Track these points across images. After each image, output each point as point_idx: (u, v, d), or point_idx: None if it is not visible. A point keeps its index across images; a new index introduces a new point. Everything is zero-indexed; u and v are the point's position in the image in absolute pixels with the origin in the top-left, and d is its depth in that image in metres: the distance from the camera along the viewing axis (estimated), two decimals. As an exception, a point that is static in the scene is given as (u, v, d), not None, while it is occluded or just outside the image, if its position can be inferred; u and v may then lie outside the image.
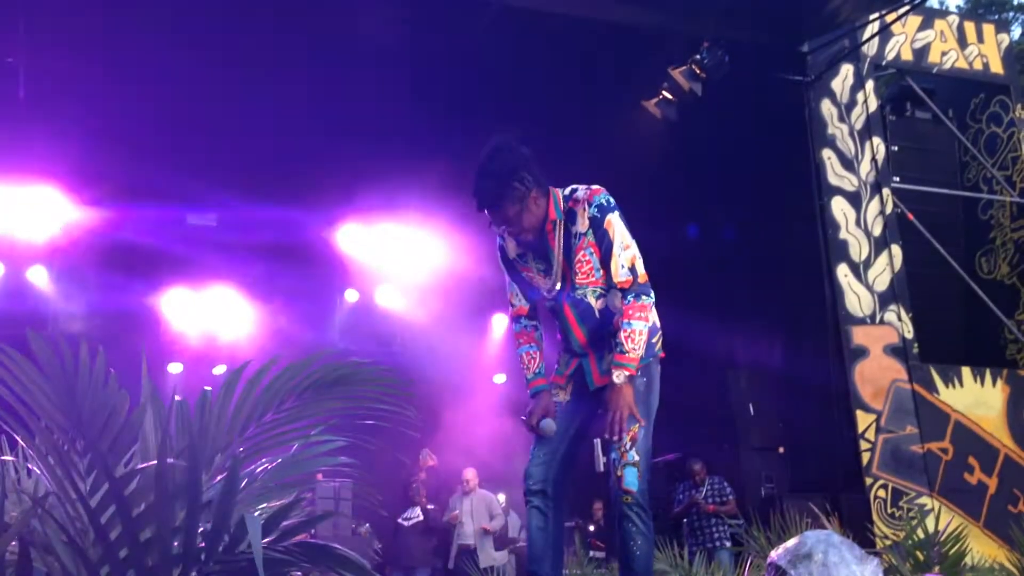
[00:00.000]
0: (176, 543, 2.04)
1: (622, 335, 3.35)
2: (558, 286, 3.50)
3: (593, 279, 3.47)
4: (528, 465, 3.52)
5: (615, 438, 3.34)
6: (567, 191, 3.55)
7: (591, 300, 3.47)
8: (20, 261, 11.10)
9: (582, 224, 3.45)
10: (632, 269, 3.43)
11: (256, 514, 2.89)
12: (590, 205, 3.46)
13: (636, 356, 3.38)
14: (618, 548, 3.47)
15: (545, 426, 3.49)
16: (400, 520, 9.67)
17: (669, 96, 8.82)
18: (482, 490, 9.89)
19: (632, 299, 3.40)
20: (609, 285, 3.46)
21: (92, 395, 2.08)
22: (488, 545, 9.66)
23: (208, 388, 2.44)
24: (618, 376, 3.34)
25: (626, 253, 3.43)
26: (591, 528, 10.54)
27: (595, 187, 3.53)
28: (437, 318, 12.37)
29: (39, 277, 11.32)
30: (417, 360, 12.17)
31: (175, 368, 12.49)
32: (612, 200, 3.50)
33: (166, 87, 8.92)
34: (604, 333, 3.48)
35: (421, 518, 9.67)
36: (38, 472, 2.44)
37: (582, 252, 3.44)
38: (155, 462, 2.09)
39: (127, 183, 9.90)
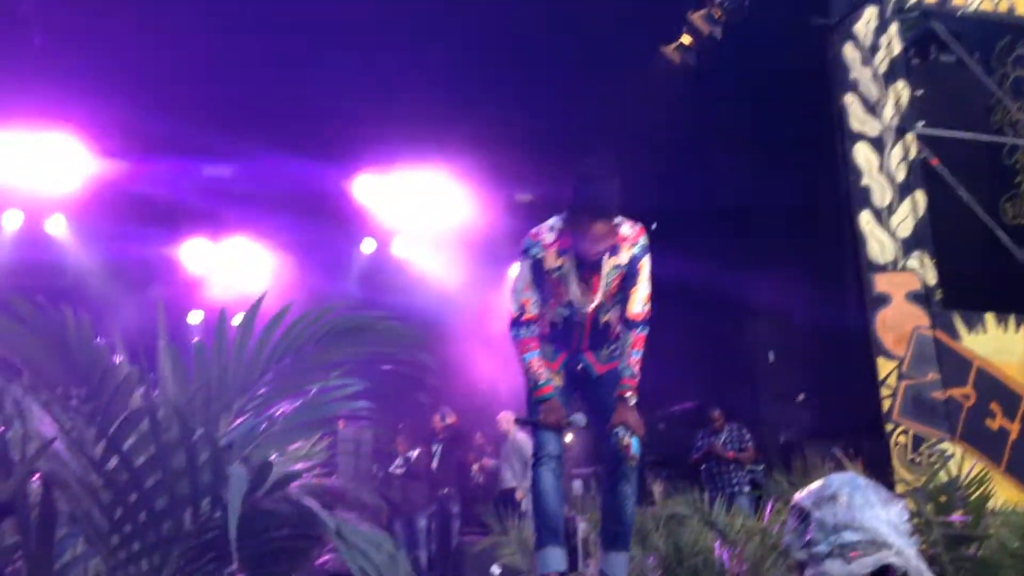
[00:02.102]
0: (185, 487, 2.04)
1: (632, 361, 3.87)
2: (594, 303, 3.91)
3: (611, 301, 3.96)
4: (541, 434, 3.85)
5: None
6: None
7: (602, 316, 3.96)
8: (39, 211, 11.16)
9: (624, 257, 3.87)
10: (645, 305, 3.93)
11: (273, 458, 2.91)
12: (634, 245, 3.88)
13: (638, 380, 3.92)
14: (609, 504, 3.91)
15: (578, 419, 3.86)
16: (390, 470, 9.80)
17: (688, 41, 8.67)
18: (518, 434, 9.84)
19: (640, 331, 3.91)
20: (615, 304, 3.96)
21: (87, 349, 2.08)
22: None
23: (224, 312, 2.43)
24: (631, 398, 3.82)
25: (647, 290, 3.93)
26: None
27: (639, 227, 3.93)
28: (453, 267, 12.36)
29: (58, 227, 11.37)
30: (433, 309, 12.21)
31: (195, 317, 12.58)
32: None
33: (183, 37, 8.85)
34: (601, 339, 4.01)
35: (405, 466, 9.79)
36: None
37: (615, 280, 3.89)
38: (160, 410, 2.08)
39: (144, 133, 9.89)
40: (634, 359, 3.86)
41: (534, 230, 3.91)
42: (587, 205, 3.67)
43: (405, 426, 9.96)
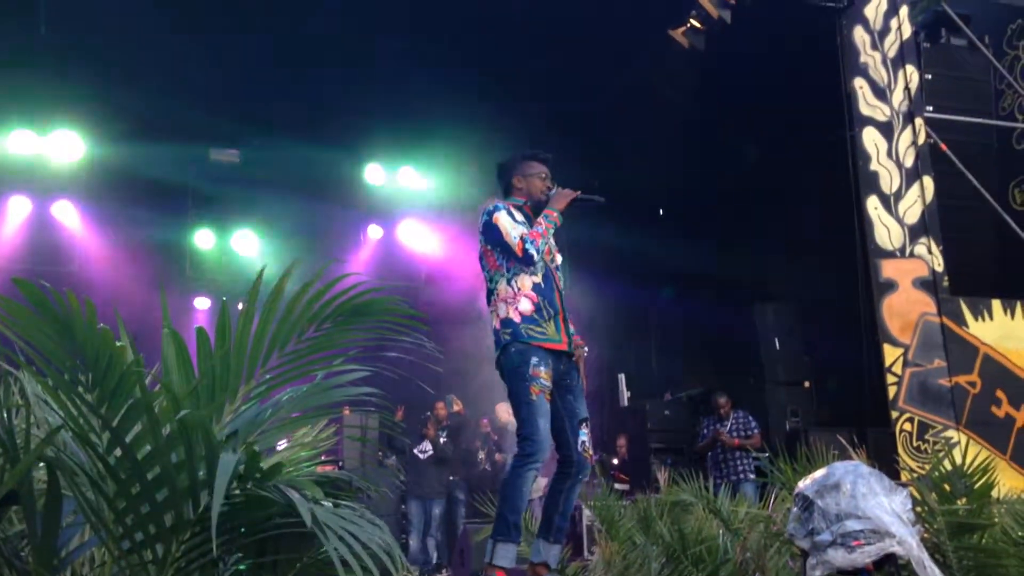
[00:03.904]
0: (186, 476, 2.04)
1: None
2: (556, 254, 4.38)
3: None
4: (541, 437, 3.97)
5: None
6: None
7: (560, 279, 4.34)
8: (46, 196, 11.18)
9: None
10: None
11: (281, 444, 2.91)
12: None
13: None
14: (564, 504, 4.11)
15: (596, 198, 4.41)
16: (415, 452, 9.83)
17: (697, 24, 8.63)
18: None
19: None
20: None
21: (91, 337, 2.08)
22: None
23: (225, 300, 2.43)
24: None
25: None
26: (615, 461, 10.63)
27: None
28: (460, 254, 12.36)
29: (65, 212, 11.39)
30: (440, 295, 12.22)
31: (202, 303, 12.62)
32: None
33: (189, 22, 8.84)
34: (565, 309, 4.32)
35: (432, 451, 9.82)
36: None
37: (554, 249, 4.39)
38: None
39: (150, 118, 9.90)
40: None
41: (488, 202, 4.36)
42: (542, 154, 4.45)
43: (432, 411, 10.01)
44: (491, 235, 4.20)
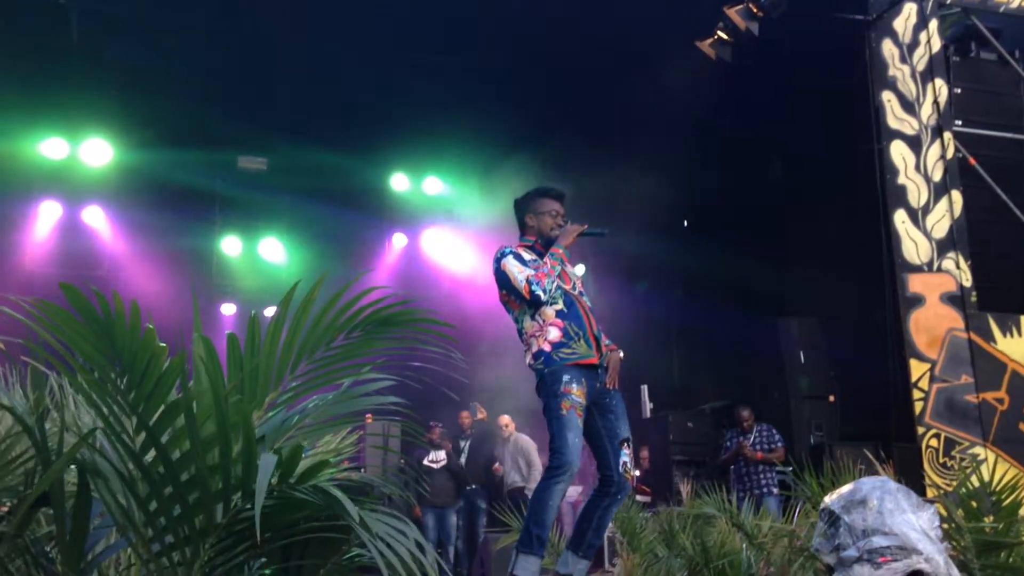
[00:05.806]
0: (219, 479, 2.06)
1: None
2: (575, 271, 4.54)
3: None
4: (569, 450, 4.01)
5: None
6: None
7: (586, 299, 4.46)
8: (77, 201, 11.32)
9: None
10: None
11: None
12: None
13: None
14: (599, 521, 4.17)
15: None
16: (427, 462, 9.79)
17: (724, 36, 8.61)
18: (520, 435, 9.98)
19: None
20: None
21: (131, 339, 2.10)
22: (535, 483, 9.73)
23: (254, 313, 2.45)
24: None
25: None
26: (636, 473, 10.57)
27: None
28: (484, 263, 12.39)
29: (95, 217, 11.52)
30: (464, 304, 12.23)
31: (228, 309, 12.71)
32: None
33: (219, 30, 8.94)
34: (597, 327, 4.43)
35: (446, 460, 9.82)
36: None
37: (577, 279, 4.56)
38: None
39: (180, 125, 10.00)
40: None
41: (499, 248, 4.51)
42: (554, 191, 4.58)
43: (446, 421, 10.01)
44: (502, 281, 4.36)
